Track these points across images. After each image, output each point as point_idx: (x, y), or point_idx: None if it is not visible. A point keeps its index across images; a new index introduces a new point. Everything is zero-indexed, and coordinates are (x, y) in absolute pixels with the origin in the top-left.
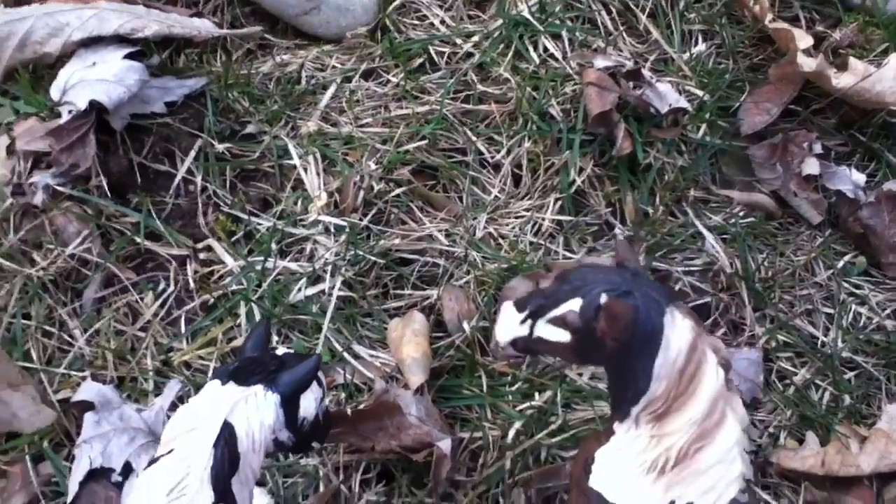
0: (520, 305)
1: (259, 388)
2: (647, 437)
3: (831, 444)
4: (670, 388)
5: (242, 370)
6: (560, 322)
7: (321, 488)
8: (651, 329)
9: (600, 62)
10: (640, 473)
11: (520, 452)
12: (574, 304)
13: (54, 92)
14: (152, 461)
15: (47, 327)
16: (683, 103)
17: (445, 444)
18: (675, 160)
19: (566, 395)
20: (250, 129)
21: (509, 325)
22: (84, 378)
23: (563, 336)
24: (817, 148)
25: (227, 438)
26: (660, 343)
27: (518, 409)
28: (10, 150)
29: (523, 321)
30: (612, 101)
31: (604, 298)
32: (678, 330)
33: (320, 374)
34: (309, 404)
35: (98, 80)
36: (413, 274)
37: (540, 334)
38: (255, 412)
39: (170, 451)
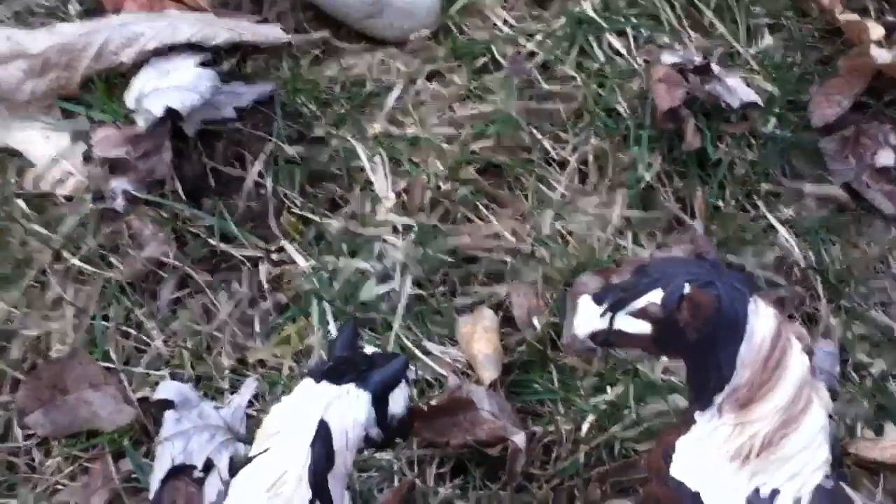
0: (598, 299)
1: (351, 386)
2: (730, 425)
3: None
4: (755, 376)
5: (335, 369)
6: (641, 314)
7: (396, 482)
8: (735, 318)
9: (667, 58)
10: (723, 461)
11: (594, 446)
12: (655, 296)
13: (129, 100)
14: (248, 460)
15: (125, 328)
16: (754, 98)
17: (520, 438)
18: (745, 154)
19: (639, 388)
20: (318, 132)
21: (588, 318)
22: (162, 377)
23: (643, 328)
24: (892, 139)
25: (323, 436)
26: (744, 332)
27: (590, 403)
28: (87, 157)
29: (603, 314)
30: (680, 96)
31: (687, 288)
32: (762, 318)
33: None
34: (398, 402)
35: (172, 87)
36: (480, 272)
37: (620, 327)
38: (348, 410)
39: (266, 450)
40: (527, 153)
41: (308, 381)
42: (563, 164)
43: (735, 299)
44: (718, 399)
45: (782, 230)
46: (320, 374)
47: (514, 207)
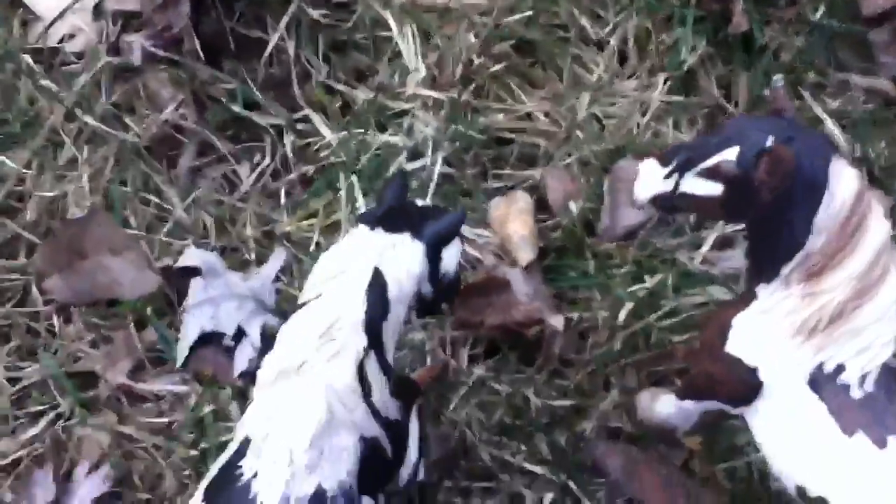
0: (664, 159)
1: (406, 235)
2: (798, 296)
3: None
4: (831, 241)
5: (389, 217)
6: (713, 173)
7: (428, 362)
8: (814, 177)
9: None
10: (786, 336)
11: (630, 334)
12: (730, 154)
13: None
14: (300, 306)
15: (144, 194)
16: None
17: (557, 321)
18: (793, 41)
19: (677, 278)
20: None
21: (651, 180)
22: (185, 246)
23: (713, 189)
24: None
25: (378, 283)
26: (823, 192)
27: (627, 291)
28: (98, 11)
29: (668, 175)
30: None
31: (770, 141)
32: (844, 179)
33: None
34: (451, 258)
35: None
36: (513, 154)
37: (686, 189)
38: (402, 260)
39: (318, 296)
40: (563, 31)
41: (362, 227)
42: (600, 45)
43: (816, 157)
44: (787, 269)
45: (829, 122)
46: (374, 221)
47: (548, 88)
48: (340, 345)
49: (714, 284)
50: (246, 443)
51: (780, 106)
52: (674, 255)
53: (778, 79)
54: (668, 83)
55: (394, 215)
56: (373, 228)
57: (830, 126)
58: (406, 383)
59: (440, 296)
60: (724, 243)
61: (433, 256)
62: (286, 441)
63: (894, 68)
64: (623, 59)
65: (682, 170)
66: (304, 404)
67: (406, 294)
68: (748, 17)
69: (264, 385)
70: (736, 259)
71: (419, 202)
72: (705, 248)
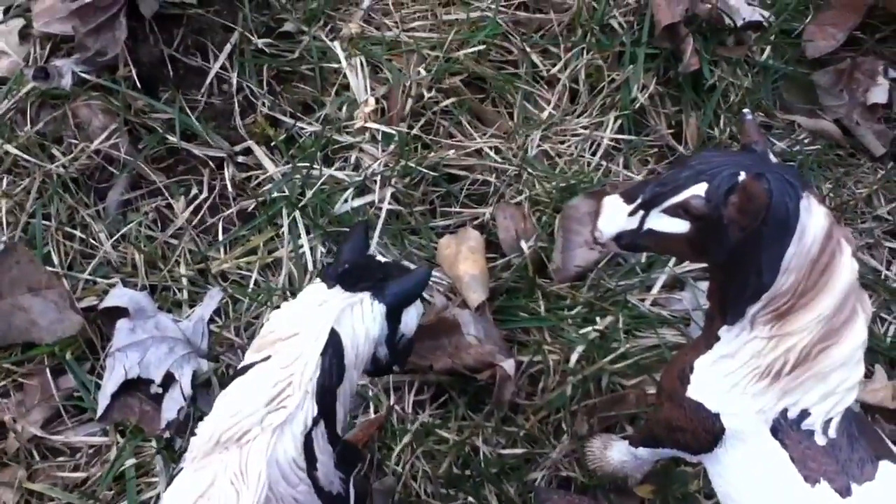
0: (628, 196)
1: (367, 295)
2: (763, 339)
3: None
4: (799, 282)
5: (349, 274)
6: (680, 210)
7: (371, 408)
8: (785, 215)
9: None
10: (750, 380)
11: (581, 378)
12: (699, 189)
13: None
14: (243, 369)
15: (69, 229)
16: (758, 17)
17: (509, 365)
18: (741, 81)
19: (628, 320)
20: (288, 27)
21: (615, 217)
22: (111, 285)
23: (680, 227)
24: (888, 75)
25: (334, 347)
26: (794, 231)
27: (579, 333)
28: (25, 34)
29: (633, 213)
30: (681, 12)
31: (742, 176)
32: (815, 216)
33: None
34: (411, 319)
35: None
36: (462, 191)
37: (652, 226)
38: (361, 322)
39: (267, 358)
40: (514, 67)
41: (319, 284)
42: (551, 82)
43: (787, 193)
44: (752, 310)
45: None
46: (333, 278)
47: (499, 125)
48: (288, 414)
49: (665, 326)
50: None
51: (751, 139)
52: (625, 296)
53: (747, 112)
54: (619, 121)
55: (354, 273)
56: (331, 287)
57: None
58: (350, 451)
59: (396, 358)
60: (673, 285)
61: (393, 318)
62: None
63: (837, 111)
64: (574, 96)
65: (648, 206)
66: (243, 480)
67: (362, 358)
68: (699, 57)
69: (198, 455)
70: (686, 301)
71: (381, 258)
72: (656, 290)
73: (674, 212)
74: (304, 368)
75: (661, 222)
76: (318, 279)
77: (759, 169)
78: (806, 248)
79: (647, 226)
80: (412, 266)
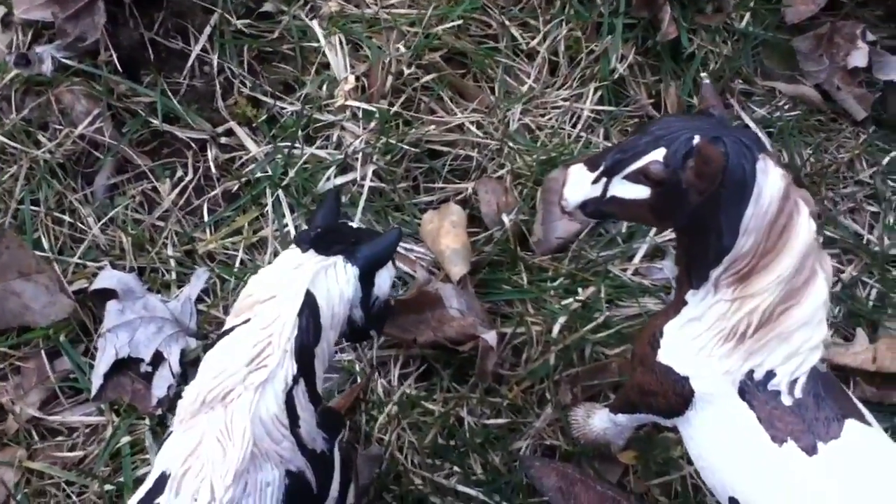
0: (592, 164)
1: (339, 259)
2: (727, 301)
3: (882, 340)
4: (759, 243)
5: (322, 238)
6: (640, 176)
7: (357, 380)
8: (742, 177)
9: None
10: (716, 343)
11: (563, 348)
12: (657, 154)
13: None
14: (224, 332)
15: (58, 214)
16: None
17: (491, 336)
18: (720, 49)
19: (609, 290)
20: (267, 7)
21: (579, 185)
22: (101, 268)
23: (641, 192)
24: (867, 39)
25: (310, 308)
26: (751, 192)
27: (561, 304)
28: (6, 23)
29: (596, 180)
30: None
31: (696, 140)
32: (771, 178)
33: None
34: (384, 282)
35: None
36: (444, 167)
37: (615, 193)
38: (335, 283)
39: (247, 321)
40: (493, 41)
41: (293, 250)
42: (531, 55)
43: (743, 155)
44: (715, 273)
45: (756, 130)
46: (307, 243)
47: (480, 99)
48: (269, 372)
49: (647, 295)
50: (163, 479)
51: (709, 104)
52: (606, 266)
53: (705, 76)
54: (599, 92)
55: (327, 237)
56: (305, 251)
57: (758, 134)
58: (332, 415)
59: (371, 321)
60: (654, 254)
61: (367, 281)
62: (208, 476)
63: (818, 76)
64: (554, 69)
65: (610, 173)
66: (228, 437)
67: (338, 319)
68: (677, 25)
69: (185, 416)
70: (667, 269)
71: (353, 224)
72: (637, 259)
73: (635, 178)
74: (283, 329)
75: (623, 189)
76: (293, 244)
77: (716, 132)
78: (763, 209)
79: (610, 193)
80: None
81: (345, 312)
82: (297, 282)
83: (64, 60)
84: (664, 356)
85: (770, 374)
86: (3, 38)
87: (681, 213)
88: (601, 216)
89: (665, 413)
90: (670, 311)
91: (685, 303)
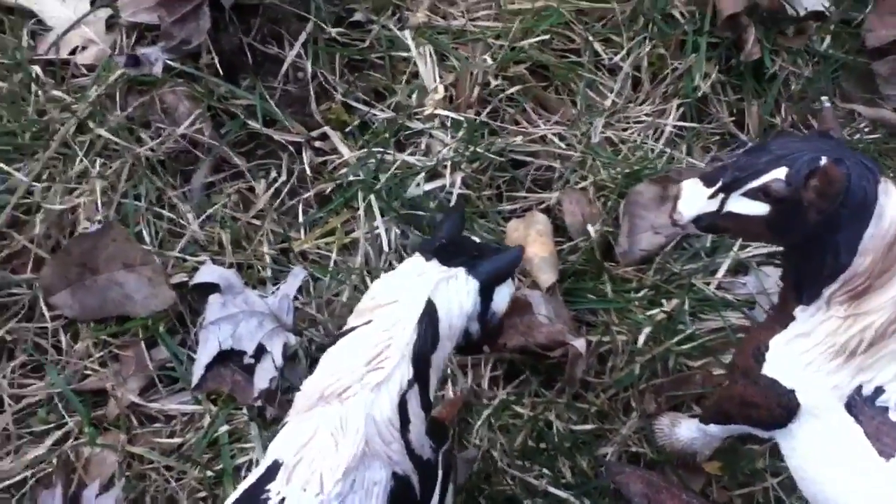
0: (708, 179)
1: (461, 270)
2: (839, 318)
3: None
4: (876, 263)
5: (446, 249)
6: (760, 193)
7: (449, 385)
8: (864, 198)
9: None
10: (825, 358)
11: (649, 359)
12: (779, 173)
13: None
14: (346, 331)
15: (158, 209)
16: (819, 6)
17: (580, 344)
18: (801, 70)
19: (693, 303)
20: (357, 16)
21: (695, 200)
22: (200, 263)
23: (760, 209)
24: None
25: (430, 316)
26: (871, 213)
27: (646, 315)
28: (111, 24)
29: (713, 195)
30: (743, 2)
31: (823, 160)
32: (892, 199)
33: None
34: (502, 298)
35: None
36: (527, 176)
37: (732, 209)
38: (455, 295)
39: (368, 322)
40: (576, 56)
41: (417, 257)
42: (613, 70)
43: (865, 178)
44: (829, 290)
45: None
46: (431, 252)
47: (562, 112)
48: (386, 374)
49: (729, 309)
50: (275, 466)
51: (828, 126)
52: (690, 279)
53: (825, 99)
54: (681, 109)
55: (450, 249)
56: (429, 259)
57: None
58: (437, 425)
59: (486, 336)
60: (737, 269)
61: (486, 295)
62: (319, 468)
63: None
64: (636, 84)
65: (728, 189)
66: (342, 432)
67: (455, 330)
68: (760, 46)
69: (302, 408)
70: (750, 284)
71: (476, 239)
72: (720, 274)
73: (754, 195)
74: (402, 333)
75: (741, 205)
76: (417, 253)
77: (838, 154)
78: (883, 230)
79: (727, 208)
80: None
81: (462, 324)
82: (419, 289)
83: (168, 62)
84: (770, 369)
85: (879, 391)
86: (107, 39)
87: (798, 231)
88: (714, 230)
89: (766, 425)
90: (775, 326)
91: (793, 318)
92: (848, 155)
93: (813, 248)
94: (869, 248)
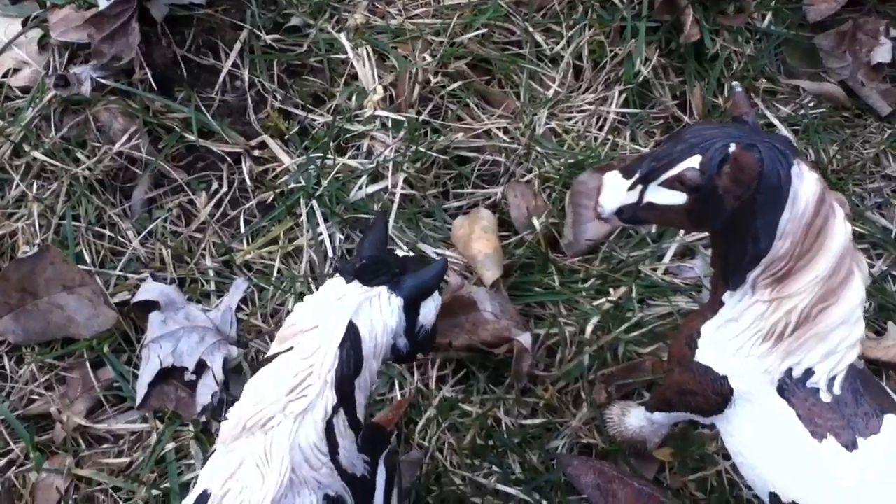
0: (627, 171)
1: (383, 289)
2: (765, 301)
3: None
4: (795, 245)
5: (367, 269)
6: (676, 182)
7: (396, 386)
8: (778, 181)
9: None
10: (754, 342)
11: (598, 348)
12: (693, 161)
13: None
14: (267, 359)
15: (98, 228)
16: None
17: (525, 339)
18: (743, 49)
19: (640, 290)
20: (294, 21)
21: (615, 192)
22: (142, 280)
23: (677, 198)
24: (890, 35)
25: (352, 339)
26: (787, 196)
27: (593, 305)
28: (43, 44)
29: (632, 187)
30: None
31: (732, 147)
32: (806, 182)
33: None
34: (429, 311)
35: None
36: (473, 172)
37: (651, 199)
38: (378, 315)
39: (288, 349)
40: (517, 48)
41: (337, 280)
42: (555, 60)
43: (778, 161)
44: (752, 275)
45: (781, 128)
46: (351, 273)
47: (506, 105)
48: (309, 402)
49: (678, 294)
50: (204, 497)
51: (741, 111)
52: (637, 266)
53: (737, 84)
54: (624, 95)
55: (371, 268)
56: (349, 281)
57: (784, 132)
58: (377, 431)
59: (416, 348)
60: (684, 253)
61: (411, 311)
62: (246, 500)
63: (841, 73)
64: (578, 73)
65: (645, 180)
66: (267, 463)
67: (381, 349)
68: (699, 27)
69: (227, 438)
70: (697, 268)
71: (399, 252)
72: (667, 259)
73: (671, 184)
74: (324, 360)
75: (659, 195)
76: (337, 274)
77: (750, 139)
78: (799, 212)
79: (646, 199)
80: (432, 257)
81: (388, 342)
82: (339, 313)
83: (100, 80)
84: (702, 356)
85: (808, 372)
86: (40, 60)
87: (717, 218)
88: (637, 221)
89: (704, 411)
90: (707, 312)
91: (722, 304)
92: (761, 140)
93: (734, 235)
94: (787, 231)
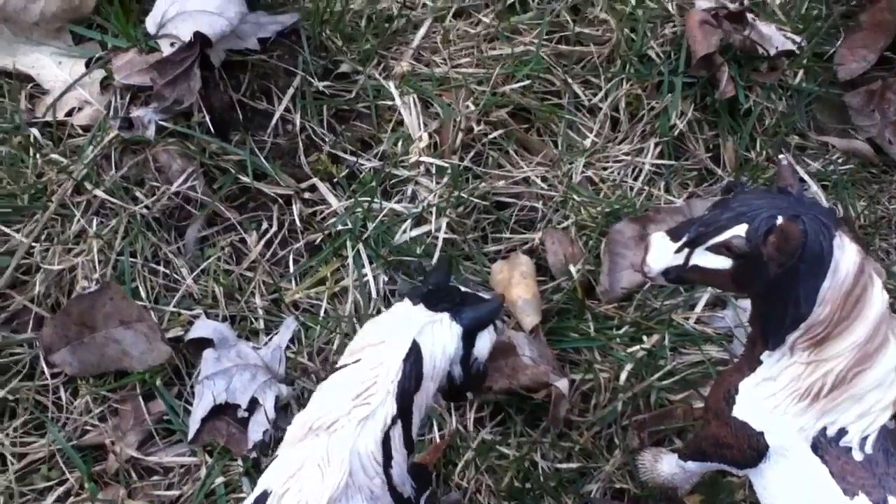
0: (674, 234)
1: (446, 316)
2: (802, 363)
3: None
4: (835, 312)
5: (432, 295)
6: (723, 248)
7: (435, 427)
8: (820, 251)
9: (702, 2)
10: (791, 401)
11: (631, 395)
12: (739, 230)
13: (150, 24)
14: (338, 368)
15: (153, 265)
16: (790, 45)
17: (563, 384)
18: (775, 105)
19: (673, 338)
20: (344, 68)
21: (662, 254)
22: (195, 316)
23: (723, 263)
24: None
25: (415, 356)
26: (828, 266)
27: (627, 352)
28: (105, 85)
29: (678, 250)
30: (716, 42)
31: (780, 220)
32: (847, 253)
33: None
34: (484, 344)
35: (199, 11)
36: (511, 217)
37: (697, 262)
38: (439, 338)
39: (357, 361)
40: (557, 98)
41: (405, 302)
42: (592, 111)
43: (821, 233)
44: (792, 337)
45: (811, 183)
46: (418, 297)
47: (544, 153)
48: (371, 409)
49: (709, 343)
50: (264, 496)
51: (786, 182)
52: (669, 315)
53: (783, 157)
54: (659, 147)
55: (437, 295)
56: (416, 304)
57: (813, 186)
58: (420, 470)
59: (468, 381)
60: (715, 303)
61: (468, 340)
62: (305, 498)
63: (870, 130)
64: (615, 124)
65: (692, 244)
66: (328, 464)
67: (439, 372)
68: (734, 84)
69: (292, 441)
70: (728, 318)
71: (462, 288)
72: (699, 308)
73: (717, 250)
74: (388, 371)
75: (705, 259)
76: (406, 298)
77: (795, 211)
78: (840, 281)
79: (692, 262)
80: (487, 296)
81: (445, 366)
82: (405, 331)
83: (160, 122)
84: (739, 412)
85: (842, 432)
86: (102, 100)
87: (760, 283)
88: (681, 282)
89: (739, 464)
90: (744, 369)
91: (760, 362)
92: (805, 211)
93: (775, 298)
94: (827, 298)
